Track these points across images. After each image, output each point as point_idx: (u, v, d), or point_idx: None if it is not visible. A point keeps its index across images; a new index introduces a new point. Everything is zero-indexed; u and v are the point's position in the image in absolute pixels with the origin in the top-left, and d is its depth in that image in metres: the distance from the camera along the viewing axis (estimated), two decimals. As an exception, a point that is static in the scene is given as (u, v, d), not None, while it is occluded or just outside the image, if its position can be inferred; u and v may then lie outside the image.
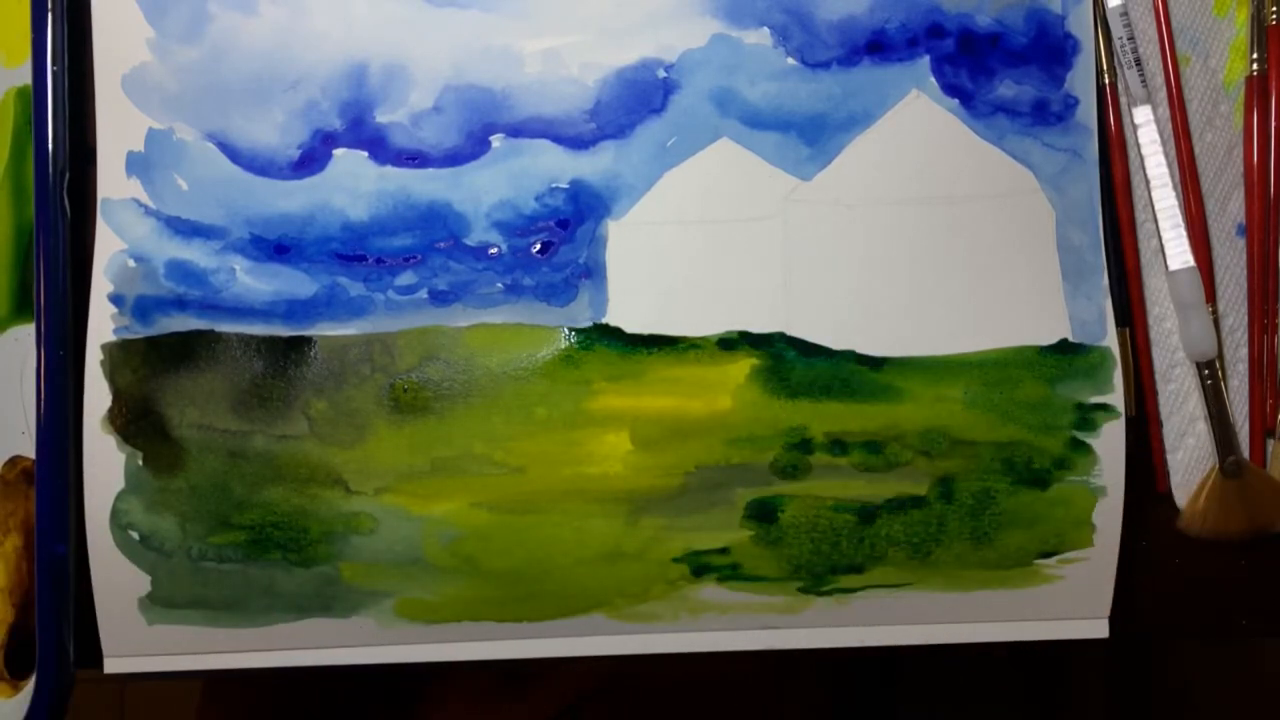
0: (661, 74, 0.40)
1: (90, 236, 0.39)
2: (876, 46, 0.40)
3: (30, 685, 0.39)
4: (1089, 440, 0.40)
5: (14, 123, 0.40)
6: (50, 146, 0.39)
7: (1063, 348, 0.40)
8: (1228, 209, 0.43)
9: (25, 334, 0.40)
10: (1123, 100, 0.42)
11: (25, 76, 0.39)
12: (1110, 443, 0.40)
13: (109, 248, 0.39)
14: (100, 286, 0.39)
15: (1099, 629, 0.41)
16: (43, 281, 0.39)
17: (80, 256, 0.40)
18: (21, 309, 0.40)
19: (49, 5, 0.39)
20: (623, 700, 0.63)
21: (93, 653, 0.41)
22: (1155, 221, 0.42)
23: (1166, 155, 0.42)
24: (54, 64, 0.39)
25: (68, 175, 0.39)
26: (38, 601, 0.38)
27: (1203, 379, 0.42)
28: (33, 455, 0.39)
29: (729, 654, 0.42)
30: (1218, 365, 0.42)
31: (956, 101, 0.40)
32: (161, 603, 0.39)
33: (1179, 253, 0.42)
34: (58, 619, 0.39)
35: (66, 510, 0.39)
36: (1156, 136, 0.42)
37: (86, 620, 0.40)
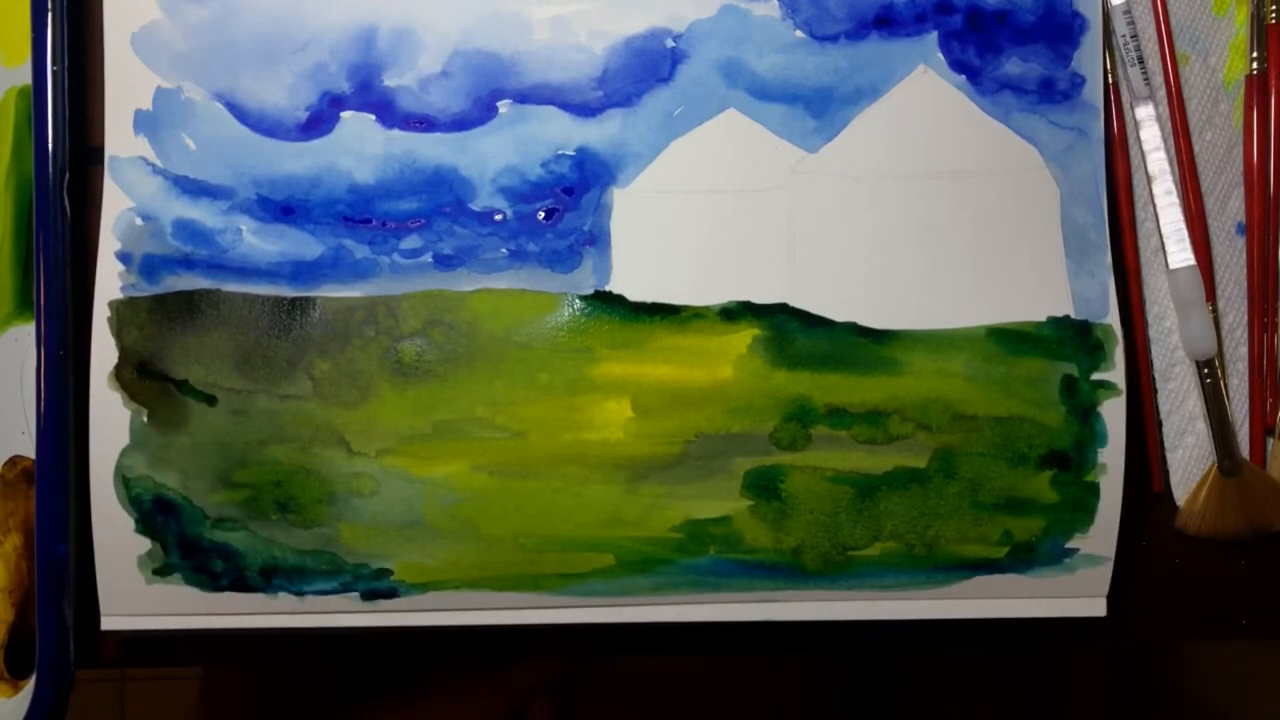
0: (670, 43, 0.40)
1: (92, 235, 0.39)
2: (884, 21, 0.40)
3: (30, 685, 0.39)
4: (1089, 417, 0.40)
5: (14, 122, 0.40)
6: (50, 146, 0.39)
7: (1065, 324, 0.40)
8: (1227, 208, 0.43)
9: (25, 333, 0.40)
10: (1124, 98, 0.42)
11: (25, 76, 0.39)
12: (1111, 420, 0.40)
13: (117, 205, 0.39)
14: (108, 244, 0.39)
15: (1097, 607, 0.41)
16: (42, 281, 0.38)
17: (82, 256, 0.40)
18: (22, 308, 0.40)
19: (49, 5, 0.39)
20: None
21: (93, 653, 0.41)
22: (1155, 220, 0.42)
23: (1166, 154, 0.42)
24: (54, 64, 0.39)
25: (68, 175, 0.39)
26: (38, 601, 0.38)
27: (1202, 378, 0.42)
28: (33, 455, 0.39)
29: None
30: (1217, 364, 0.42)
31: (963, 77, 0.40)
32: (161, 561, 0.39)
33: (1179, 251, 0.42)
34: (58, 619, 0.39)
35: (67, 510, 0.39)
36: (1158, 134, 0.42)
37: (86, 620, 0.40)
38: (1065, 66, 0.41)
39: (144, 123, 0.39)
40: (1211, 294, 0.42)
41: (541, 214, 0.40)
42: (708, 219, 0.40)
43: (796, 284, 0.40)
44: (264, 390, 0.39)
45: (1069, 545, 0.40)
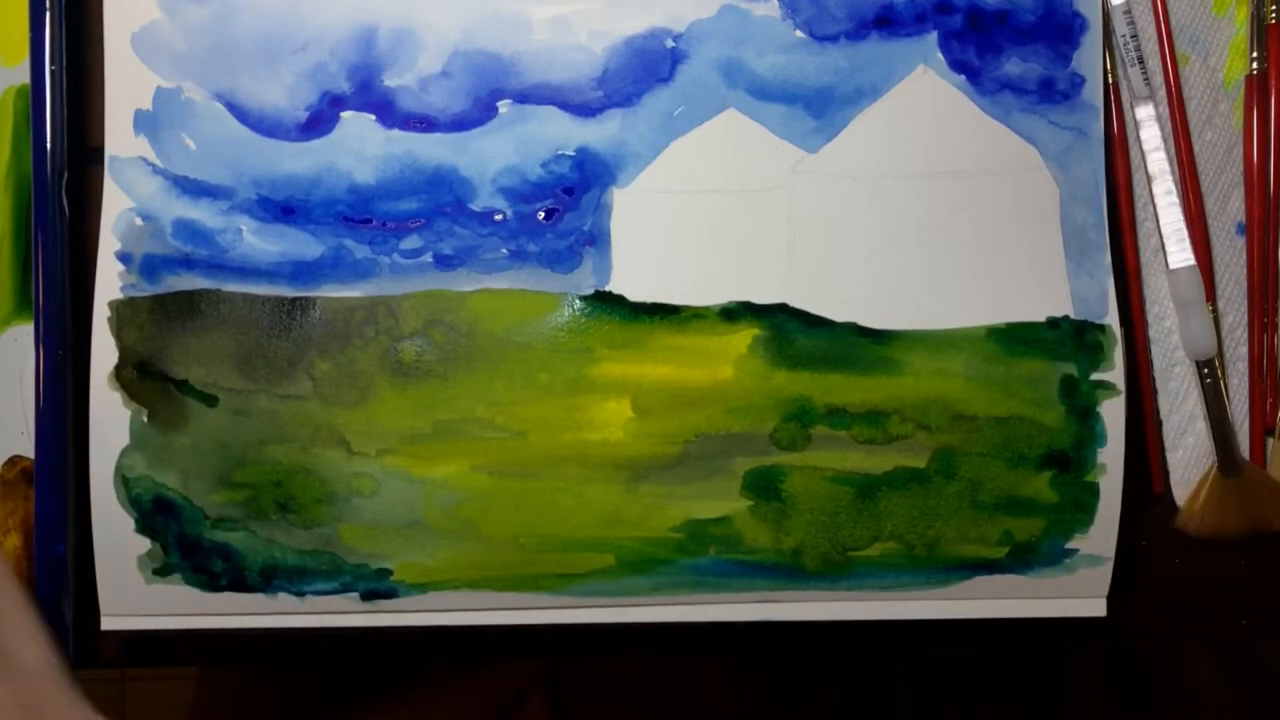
0: (670, 43, 0.40)
1: (92, 236, 0.39)
2: (884, 21, 0.40)
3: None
4: (1088, 417, 0.40)
5: (13, 122, 0.40)
6: (49, 146, 0.39)
7: (1064, 324, 0.40)
8: (1227, 208, 0.43)
9: (25, 334, 0.40)
10: (1124, 98, 0.42)
11: (24, 75, 0.39)
12: (1110, 420, 0.40)
13: (117, 205, 0.39)
14: (108, 244, 0.39)
15: (1097, 608, 0.41)
16: (41, 281, 0.39)
17: (82, 256, 0.40)
18: (22, 308, 0.40)
19: (47, 4, 0.39)
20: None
21: (93, 653, 0.41)
22: (1155, 220, 0.42)
23: (1166, 154, 0.42)
24: (52, 63, 0.39)
25: (66, 175, 0.39)
26: (38, 601, 0.38)
27: (1202, 378, 0.42)
28: (33, 455, 0.39)
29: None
30: (1217, 364, 0.42)
31: (963, 78, 0.40)
32: (161, 561, 0.39)
33: (1179, 251, 0.42)
34: (57, 619, 0.39)
35: (66, 510, 0.39)
36: (1158, 134, 0.42)
37: (86, 620, 0.40)
38: (1065, 66, 0.41)
39: (144, 123, 0.39)
40: (1211, 294, 0.42)
41: (541, 214, 0.40)
42: (708, 219, 0.40)
43: (796, 284, 0.40)
44: (264, 390, 0.39)
45: (1069, 545, 0.40)
